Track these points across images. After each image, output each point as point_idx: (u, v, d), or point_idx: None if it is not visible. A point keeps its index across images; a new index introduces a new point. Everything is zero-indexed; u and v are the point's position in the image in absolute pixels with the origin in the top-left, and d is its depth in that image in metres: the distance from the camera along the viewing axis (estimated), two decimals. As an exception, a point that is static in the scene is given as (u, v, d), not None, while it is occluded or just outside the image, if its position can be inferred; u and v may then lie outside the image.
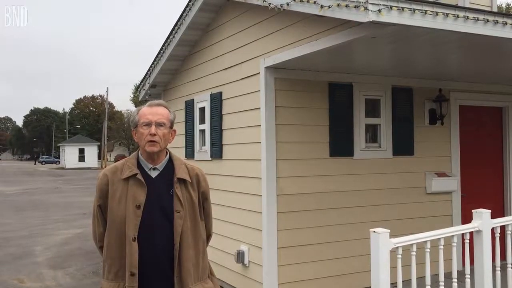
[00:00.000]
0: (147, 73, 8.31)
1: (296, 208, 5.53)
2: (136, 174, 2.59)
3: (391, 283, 3.45)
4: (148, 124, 2.60)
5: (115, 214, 2.56)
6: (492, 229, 4.06)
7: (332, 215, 5.74)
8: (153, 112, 2.63)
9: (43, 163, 79.95)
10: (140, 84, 8.87)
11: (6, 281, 7.20)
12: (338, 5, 3.88)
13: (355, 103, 5.94)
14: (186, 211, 2.62)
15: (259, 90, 5.54)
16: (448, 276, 3.94)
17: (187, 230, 2.60)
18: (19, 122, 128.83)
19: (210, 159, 6.73)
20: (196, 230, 2.66)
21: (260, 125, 5.50)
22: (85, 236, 10.62)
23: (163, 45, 7.52)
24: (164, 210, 2.58)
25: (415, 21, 3.71)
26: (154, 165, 2.65)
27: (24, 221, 13.73)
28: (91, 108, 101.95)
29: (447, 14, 3.81)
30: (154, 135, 2.58)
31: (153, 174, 2.65)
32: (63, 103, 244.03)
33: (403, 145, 6.29)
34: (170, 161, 2.70)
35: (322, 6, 4.07)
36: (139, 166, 2.64)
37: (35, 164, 78.94)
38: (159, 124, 2.61)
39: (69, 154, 63.21)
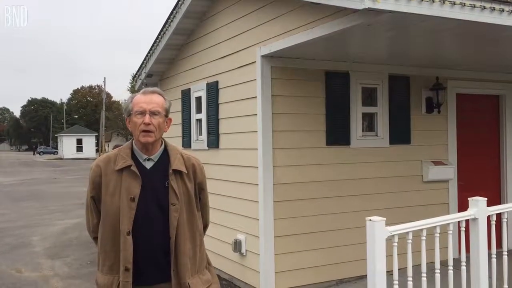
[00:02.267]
0: (143, 62, 8.27)
1: (293, 197, 5.53)
2: (130, 165, 2.51)
3: (387, 271, 3.45)
4: (142, 113, 2.50)
5: (109, 206, 2.49)
6: (488, 217, 4.06)
7: (329, 203, 5.74)
8: (147, 100, 2.52)
9: (41, 153, 79.68)
10: (136, 73, 8.83)
11: (4, 271, 7.20)
12: (334, -8, 3.85)
13: (351, 91, 5.92)
14: (182, 203, 2.54)
15: (255, 79, 5.51)
16: (444, 264, 3.95)
17: (183, 223, 2.53)
18: (17, 113, 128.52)
19: (207, 148, 6.72)
20: (193, 222, 2.60)
21: (256, 114, 5.48)
22: (83, 226, 10.60)
23: (159, 34, 7.47)
24: (159, 202, 2.51)
25: (411, 8, 3.68)
26: (148, 156, 2.56)
27: (21, 211, 13.72)
28: (89, 98, 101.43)
29: (444, 1, 3.78)
30: (149, 124, 2.48)
31: (148, 165, 2.56)
32: (60, 94, 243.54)
33: (400, 134, 6.28)
34: (166, 151, 2.61)
35: (318, -6, 4.03)
36: (133, 156, 2.56)
37: (34, 154, 78.72)
38: (153, 113, 2.50)
39: (67, 145, 63.06)
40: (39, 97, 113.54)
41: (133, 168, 2.51)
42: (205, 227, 2.81)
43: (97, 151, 61.57)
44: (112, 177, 2.52)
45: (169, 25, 7.15)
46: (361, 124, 6.04)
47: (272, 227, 5.39)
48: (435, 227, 3.81)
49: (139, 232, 2.47)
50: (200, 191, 2.70)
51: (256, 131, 5.48)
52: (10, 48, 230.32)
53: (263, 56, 5.39)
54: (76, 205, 14.70)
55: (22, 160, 55.73)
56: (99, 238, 2.59)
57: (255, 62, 5.52)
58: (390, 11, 3.65)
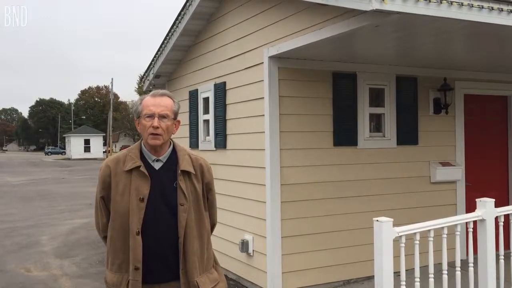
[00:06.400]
0: (151, 63, 8.31)
1: (300, 197, 5.54)
2: (140, 166, 2.55)
3: (394, 272, 3.46)
4: (151, 116, 2.53)
5: (119, 206, 2.53)
6: (496, 218, 4.06)
7: (336, 204, 5.75)
8: (157, 103, 2.55)
9: (49, 153, 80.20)
10: (144, 74, 8.87)
11: (13, 270, 7.27)
12: (342, -7, 3.86)
13: (359, 92, 5.93)
14: (190, 203, 2.58)
15: (262, 80, 5.53)
16: (451, 265, 3.95)
17: (192, 223, 2.56)
18: (25, 113, 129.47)
19: (214, 149, 6.74)
20: (201, 222, 2.63)
21: (263, 115, 5.50)
22: (91, 226, 10.67)
23: (167, 35, 7.51)
24: (168, 203, 2.54)
25: (419, 9, 3.68)
26: (157, 157, 2.60)
27: (30, 211, 13.81)
28: (96, 99, 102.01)
29: (452, 2, 3.78)
30: (157, 127, 2.51)
31: (157, 165, 2.60)
32: (68, 94, 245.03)
33: (407, 135, 6.28)
34: (174, 152, 2.65)
35: (325, -5, 4.04)
36: (142, 157, 2.60)
37: (45, 155, 79.09)
38: (162, 116, 2.53)
39: (74, 145, 63.39)
40: (47, 97, 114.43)
41: (142, 169, 2.55)
42: (213, 226, 2.85)
43: (105, 149, 61.74)
44: (122, 178, 2.56)
45: (177, 26, 7.19)
46: (369, 125, 6.04)
47: (279, 228, 5.41)
48: (442, 228, 3.81)
49: (148, 231, 2.51)
50: (208, 191, 2.74)
51: (264, 132, 5.50)
52: (17, 48, 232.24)
53: (270, 57, 5.41)
54: (85, 205, 14.79)
55: (31, 160, 56.07)
56: (108, 237, 2.62)
57: (262, 63, 5.54)
58: (398, 12, 3.66)
